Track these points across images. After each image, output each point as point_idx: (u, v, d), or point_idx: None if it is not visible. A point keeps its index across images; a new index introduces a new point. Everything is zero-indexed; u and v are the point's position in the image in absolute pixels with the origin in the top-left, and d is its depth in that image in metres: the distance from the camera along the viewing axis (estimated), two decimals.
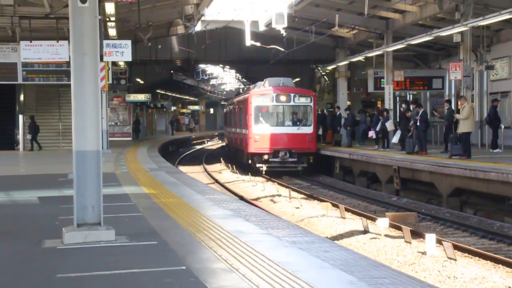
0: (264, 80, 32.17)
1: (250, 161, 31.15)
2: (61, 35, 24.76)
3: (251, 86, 35.86)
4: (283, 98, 30.35)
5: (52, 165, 23.47)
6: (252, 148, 30.20)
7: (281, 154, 29.70)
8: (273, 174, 29.36)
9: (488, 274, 10.81)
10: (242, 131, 32.88)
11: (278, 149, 29.77)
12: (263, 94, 30.67)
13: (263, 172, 29.77)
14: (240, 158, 34.87)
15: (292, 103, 30.48)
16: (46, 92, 33.84)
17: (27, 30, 25.14)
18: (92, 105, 8.73)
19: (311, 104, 30.66)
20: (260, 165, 29.99)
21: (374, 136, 29.65)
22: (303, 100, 30.68)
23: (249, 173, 28.96)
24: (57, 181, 16.87)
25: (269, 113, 30.74)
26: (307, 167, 30.23)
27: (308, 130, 30.28)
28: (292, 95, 30.50)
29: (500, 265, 11.80)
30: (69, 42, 8.91)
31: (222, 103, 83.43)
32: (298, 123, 30.50)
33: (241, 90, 47.11)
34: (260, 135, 29.98)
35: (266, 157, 29.84)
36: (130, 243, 8.63)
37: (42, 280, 6.84)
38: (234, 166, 33.47)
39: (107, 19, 24.25)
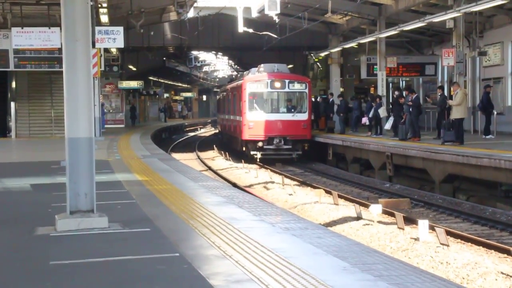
0: (258, 66, 31.76)
1: (244, 149, 30.80)
2: (53, 22, 24.63)
3: (244, 72, 35.47)
4: (277, 84, 29.98)
5: (45, 152, 23.41)
6: (246, 135, 29.88)
7: (276, 141, 29.42)
8: (268, 162, 29.08)
9: (481, 259, 10.85)
10: (236, 118, 32.47)
11: (272, 136, 29.46)
12: (258, 80, 30.26)
13: (258, 160, 29.55)
14: (234, 146, 34.47)
15: (287, 89, 30.16)
16: (38, 79, 33.68)
17: (18, 17, 25.00)
18: (85, 92, 8.70)
19: (306, 90, 30.30)
20: (255, 152, 29.75)
21: (367, 123, 29.65)
22: (298, 87, 30.33)
23: (243, 161, 28.82)
24: (50, 168, 16.83)
25: (263, 99, 30.38)
26: (301, 155, 30.03)
27: (303, 117, 29.94)
28: (286, 81, 30.15)
29: (493, 251, 11.85)
30: (61, 28, 8.86)
31: (215, 90, 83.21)
32: (292, 109, 30.15)
33: (234, 76, 46.87)
34: (255, 122, 29.64)
35: (260, 144, 29.56)
36: (123, 230, 8.63)
37: (35, 267, 6.83)
38: (227, 153, 33.45)
39: (99, 5, 24.09)
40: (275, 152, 29.60)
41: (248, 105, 29.86)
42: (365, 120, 30.08)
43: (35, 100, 34.00)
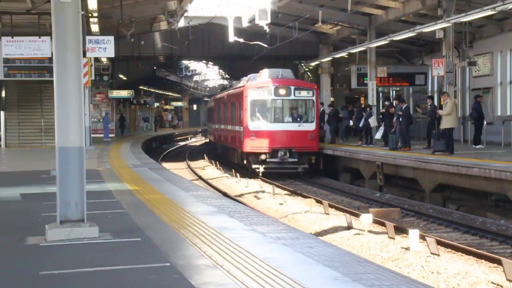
0: (260, 72, 29.57)
1: (245, 162, 28.39)
2: (43, 31, 24.58)
3: (243, 78, 32.96)
4: (282, 91, 27.58)
5: (35, 161, 23.33)
6: (248, 147, 27.47)
7: (280, 154, 26.96)
8: (271, 176, 26.70)
9: (471, 269, 10.86)
10: (235, 128, 30.15)
11: (277, 148, 27.03)
12: (261, 87, 27.82)
13: (260, 174, 27.15)
14: (231, 158, 32.40)
15: (292, 97, 27.70)
16: (28, 89, 33.57)
17: (8, 26, 24.94)
18: (75, 101, 8.68)
19: (313, 98, 27.88)
20: (257, 166, 27.34)
21: (351, 123, 29.74)
22: (304, 94, 27.89)
23: (238, 175, 26.70)
24: (40, 177, 16.78)
25: (266, 108, 27.91)
26: (308, 169, 27.69)
27: (310, 127, 27.58)
28: (292, 88, 27.73)
29: (483, 260, 11.86)
30: (51, 38, 8.86)
31: (205, 99, 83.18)
32: (299, 119, 27.81)
33: (227, 85, 46.17)
34: (257, 132, 27.30)
35: (263, 157, 27.16)
36: (113, 239, 8.60)
37: (24, 277, 6.79)
38: (217, 162, 33.39)
39: (90, 14, 24.09)
40: (279, 166, 27.28)
41: (250, 114, 27.52)
42: (350, 122, 30.27)
43: (25, 109, 33.89)
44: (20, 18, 25.27)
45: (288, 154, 27.09)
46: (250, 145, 27.38)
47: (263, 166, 27.23)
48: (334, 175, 28.20)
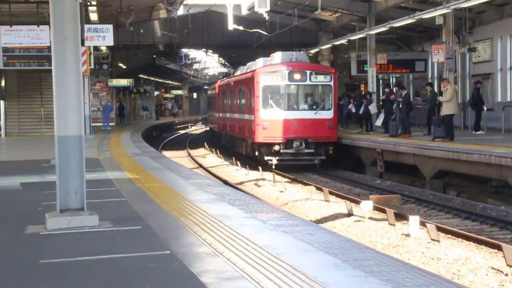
0: (271, 55, 27.58)
1: (256, 153, 26.41)
2: (42, 20, 24.57)
3: (249, 63, 31.11)
4: (297, 76, 25.36)
5: (35, 151, 23.32)
6: (260, 137, 25.30)
7: (296, 144, 24.88)
8: (284, 168, 24.96)
9: (471, 255, 10.87)
10: (245, 116, 28.03)
11: (291, 138, 24.97)
12: (274, 72, 25.57)
13: (273, 166, 25.12)
14: (239, 149, 30.43)
15: (308, 82, 25.51)
16: (27, 78, 33.57)
17: (7, 15, 24.92)
18: (74, 90, 8.66)
19: (331, 83, 25.63)
20: (269, 158, 25.27)
21: (353, 109, 29.55)
22: (321, 79, 25.73)
23: (238, 163, 26.13)
24: (40, 166, 16.78)
25: (280, 94, 25.87)
26: (325, 160, 25.55)
27: (328, 115, 25.40)
28: (308, 72, 25.47)
29: (483, 246, 11.88)
30: (50, 27, 8.82)
31: (206, 87, 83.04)
32: (315, 106, 25.72)
33: (232, 71, 45.24)
34: (270, 121, 25.11)
35: (277, 148, 25.03)
36: (113, 228, 8.60)
37: (25, 266, 6.80)
38: (218, 150, 33.37)
39: (88, 3, 24.06)
40: (294, 157, 25.22)
41: (262, 101, 25.30)
42: (351, 106, 30.18)
43: (24, 98, 33.90)
44: (19, 7, 25.24)
45: (303, 145, 25.04)
46: (262, 135, 25.26)
47: (277, 157, 25.23)
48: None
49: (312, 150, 25.12)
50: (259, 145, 25.87)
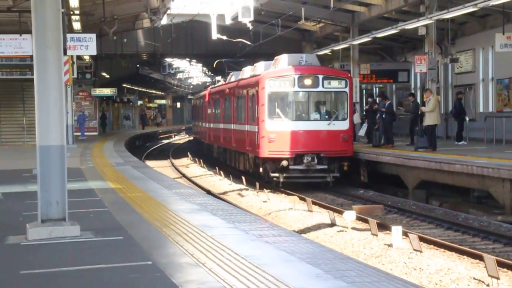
0: (276, 58, 24.37)
1: (261, 169, 23.13)
2: (25, 29, 24.40)
3: (244, 68, 28.60)
4: (308, 81, 22.29)
5: (17, 160, 23.18)
6: (265, 151, 22.18)
7: (306, 160, 21.79)
8: (291, 186, 22.04)
9: (453, 265, 10.91)
10: (245, 127, 24.86)
11: (301, 153, 21.92)
12: (281, 76, 22.50)
13: (280, 185, 22.16)
14: (236, 164, 27.37)
15: (320, 88, 22.44)
16: (9, 87, 33.37)
17: None
18: (56, 99, 8.63)
19: (347, 90, 22.67)
20: (275, 174, 22.16)
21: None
22: (335, 84, 22.61)
23: (221, 173, 26.24)
24: (22, 176, 16.68)
25: (288, 102, 22.82)
26: (339, 178, 22.58)
27: (343, 126, 22.46)
28: (320, 77, 22.36)
29: (465, 256, 11.92)
30: (32, 36, 8.79)
31: (189, 97, 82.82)
32: (328, 116, 22.75)
33: (216, 80, 43.83)
34: (277, 133, 22.05)
35: (285, 163, 21.89)
36: (95, 238, 8.56)
37: (4, 277, 6.74)
38: (201, 160, 33.31)
39: (71, 12, 23.98)
40: (305, 174, 22.22)
41: (268, 111, 22.26)
42: None
43: (6, 107, 33.73)
44: (1, 16, 25.09)
45: (315, 160, 21.94)
46: (268, 148, 22.10)
47: (284, 174, 22.12)
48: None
49: (325, 166, 22.11)
50: (264, 160, 22.68)
